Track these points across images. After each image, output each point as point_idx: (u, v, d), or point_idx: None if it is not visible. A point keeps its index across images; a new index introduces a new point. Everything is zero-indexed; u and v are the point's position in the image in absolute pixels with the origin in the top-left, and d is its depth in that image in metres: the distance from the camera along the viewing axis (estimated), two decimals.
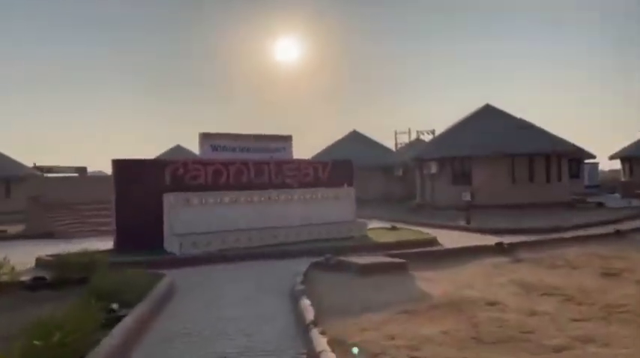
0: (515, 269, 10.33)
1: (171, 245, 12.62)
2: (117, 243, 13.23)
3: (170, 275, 9.11)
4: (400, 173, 35.16)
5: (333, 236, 14.69)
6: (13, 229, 21.14)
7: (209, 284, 9.31)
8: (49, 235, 18.88)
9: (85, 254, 9.15)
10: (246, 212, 13.79)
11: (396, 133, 43.31)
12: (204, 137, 14.62)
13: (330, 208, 15.27)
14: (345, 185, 15.97)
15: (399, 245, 13.43)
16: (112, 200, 13.38)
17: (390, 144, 42.59)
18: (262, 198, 14.15)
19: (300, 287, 7.87)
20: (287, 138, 15.98)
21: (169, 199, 12.88)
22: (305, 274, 9.28)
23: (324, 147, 39.40)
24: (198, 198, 13.18)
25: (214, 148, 14.73)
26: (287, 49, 73.55)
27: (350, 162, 17.06)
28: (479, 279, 9.25)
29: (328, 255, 10.77)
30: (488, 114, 27.04)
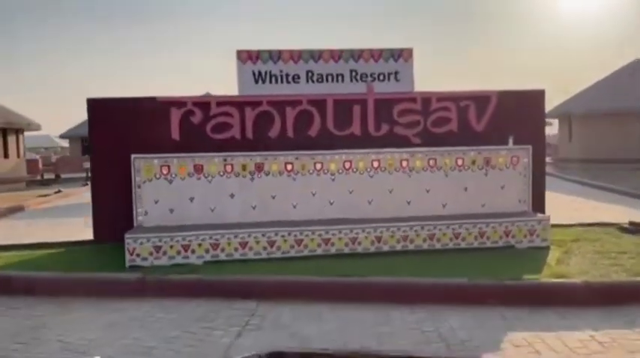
0: None
1: None
2: (95, 231, 8.46)
3: None
4: None
5: (469, 244, 7.22)
6: None
7: None
8: None
9: None
10: (281, 191, 7.47)
11: None
12: (242, 57, 8.46)
13: (472, 188, 7.72)
14: (511, 141, 7.96)
15: (595, 293, 5.34)
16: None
17: None
18: (312, 166, 7.54)
19: None
20: (402, 55, 8.60)
21: (135, 165, 7.41)
22: None
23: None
24: (183, 164, 7.39)
25: (259, 78, 8.49)
26: None
27: (539, 95, 8.70)
28: None
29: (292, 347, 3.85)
30: None
